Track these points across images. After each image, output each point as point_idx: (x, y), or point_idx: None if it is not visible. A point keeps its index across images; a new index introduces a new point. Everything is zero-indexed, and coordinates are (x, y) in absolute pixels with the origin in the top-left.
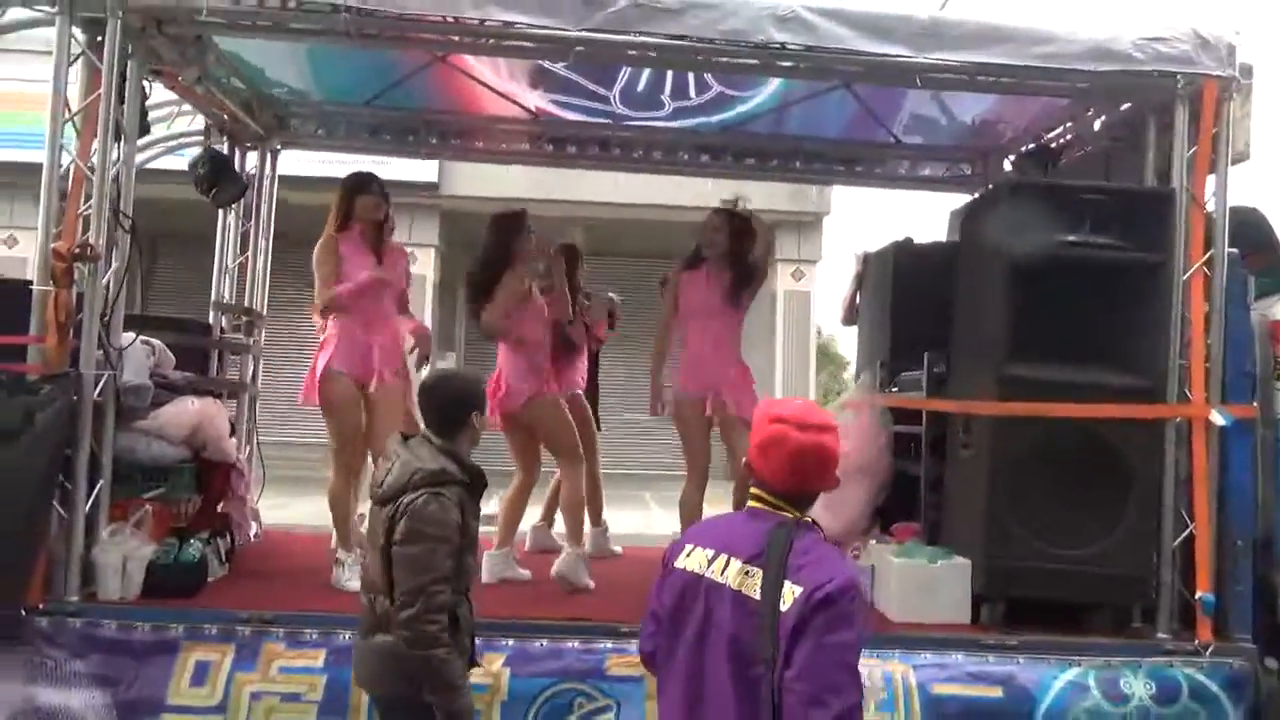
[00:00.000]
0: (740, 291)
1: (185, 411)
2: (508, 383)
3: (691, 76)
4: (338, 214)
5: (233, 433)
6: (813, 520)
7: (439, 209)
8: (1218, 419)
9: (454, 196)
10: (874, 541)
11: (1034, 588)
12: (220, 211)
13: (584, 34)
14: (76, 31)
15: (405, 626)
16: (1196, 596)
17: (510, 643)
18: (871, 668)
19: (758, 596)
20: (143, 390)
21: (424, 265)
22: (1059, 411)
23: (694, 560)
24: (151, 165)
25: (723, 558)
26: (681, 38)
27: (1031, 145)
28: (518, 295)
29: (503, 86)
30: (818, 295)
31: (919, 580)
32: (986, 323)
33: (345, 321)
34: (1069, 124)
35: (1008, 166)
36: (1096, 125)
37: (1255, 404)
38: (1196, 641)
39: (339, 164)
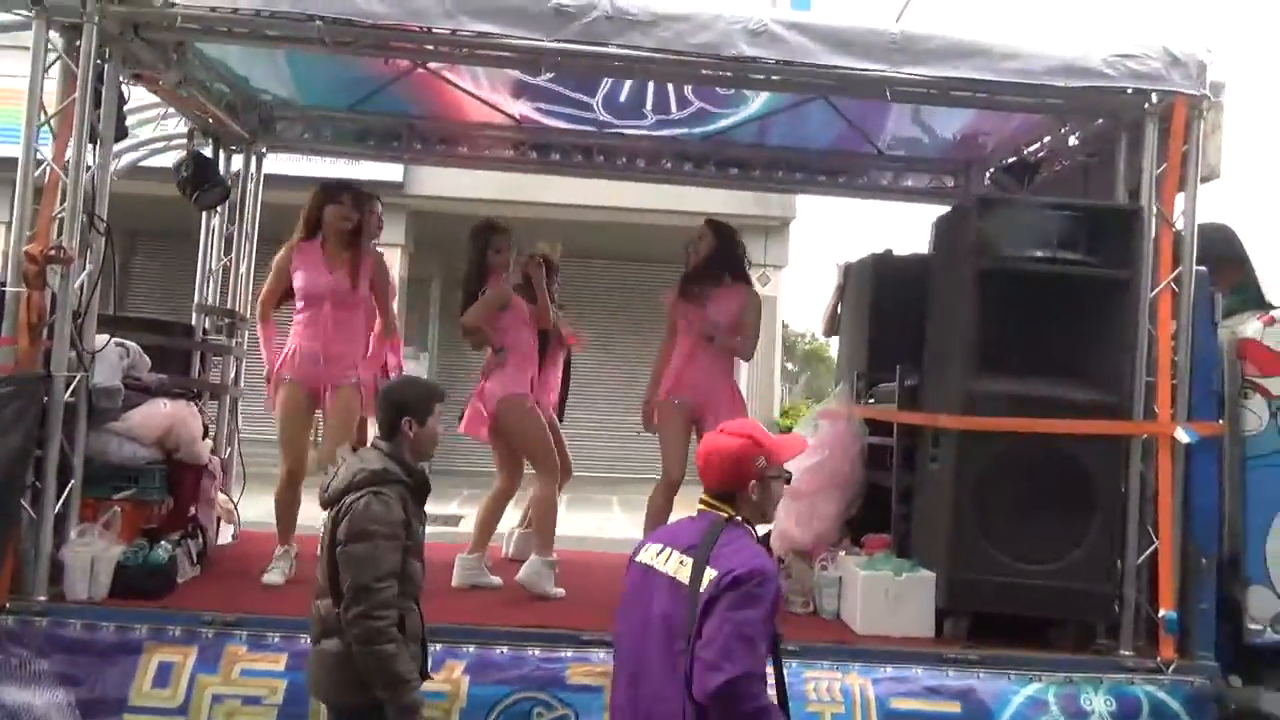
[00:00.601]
0: (745, 310)
1: (157, 414)
2: (485, 386)
3: (672, 91)
4: (305, 221)
5: (207, 434)
6: (743, 519)
7: (406, 209)
8: (1183, 436)
9: (420, 196)
10: (843, 553)
11: (997, 602)
12: (204, 214)
13: (557, 45)
14: (54, 35)
15: (353, 624)
16: (1160, 614)
17: (471, 649)
18: (830, 681)
19: (686, 581)
20: (114, 392)
21: (390, 265)
22: (1023, 426)
23: (647, 555)
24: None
25: (666, 550)
26: (653, 50)
27: (1009, 159)
28: (496, 303)
29: (485, 94)
30: (784, 300)
31: (882, 593)
32: (953, 336)
33: (298, 329)
34: (1046, 139)
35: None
36: (1072, 141)
37: (1221, 422)
38: (1159, 659)
39: (323, 164)
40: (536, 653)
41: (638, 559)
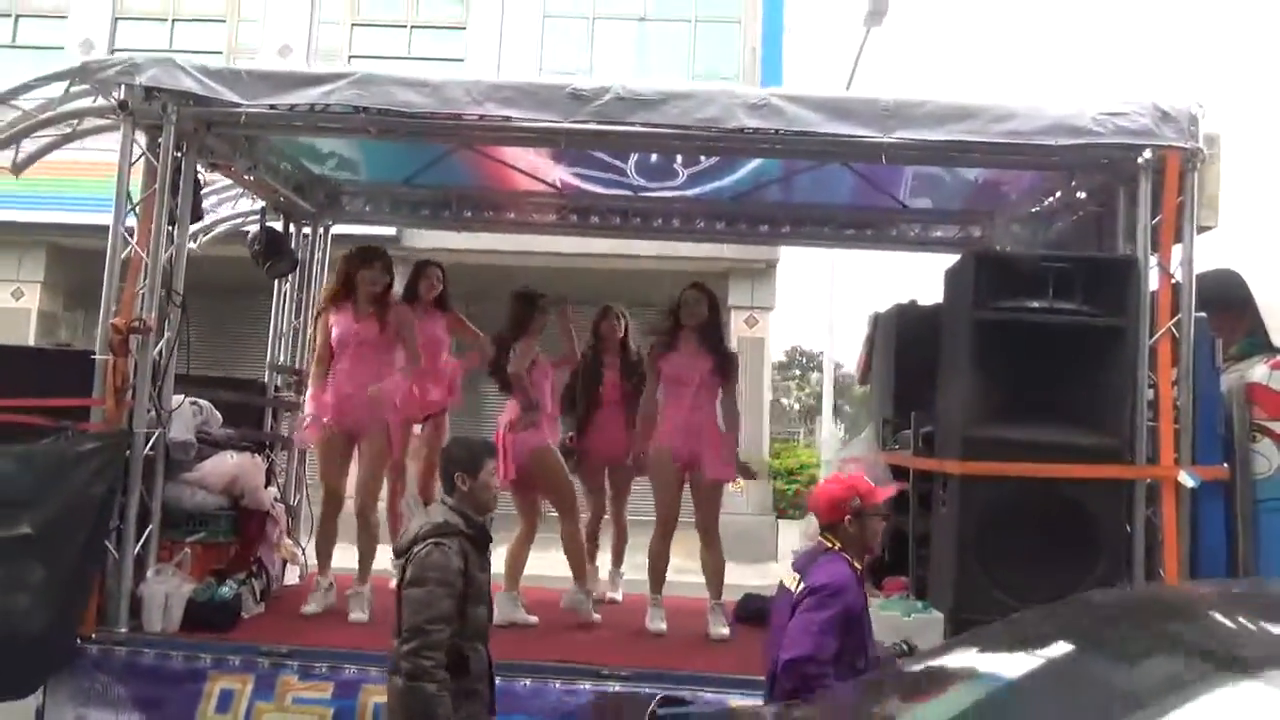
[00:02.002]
0: (728, 370)
1: (224, 464)
2: (514, 436)
3: None
4: (337, 282)
5: (270, 483)
6: (842, 548)
7: (403, 260)
8: (1186, 480)
9: (414, 249)
10: None
11: None
12: (276, 281)
13: (573, 126)
14: (138, 134)
15: (404, 660)
16: None
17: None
18: None
19: (794, 590)
20: (187, 446)
21: None
22: (1024, 471)
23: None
24: None
25: (794, 575)
26: (662, 126)
27: (1027, 211)
28: (527, 358)
29: (526, 162)
30: (772, 342)
31: (893, 632)
32: (956, 384)
33: (334, 378)
34: (1059, 192)
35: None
36: (1080, 194)
37: (1225, 465)
38: None
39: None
40: (558, 685)
41: (782, 580)
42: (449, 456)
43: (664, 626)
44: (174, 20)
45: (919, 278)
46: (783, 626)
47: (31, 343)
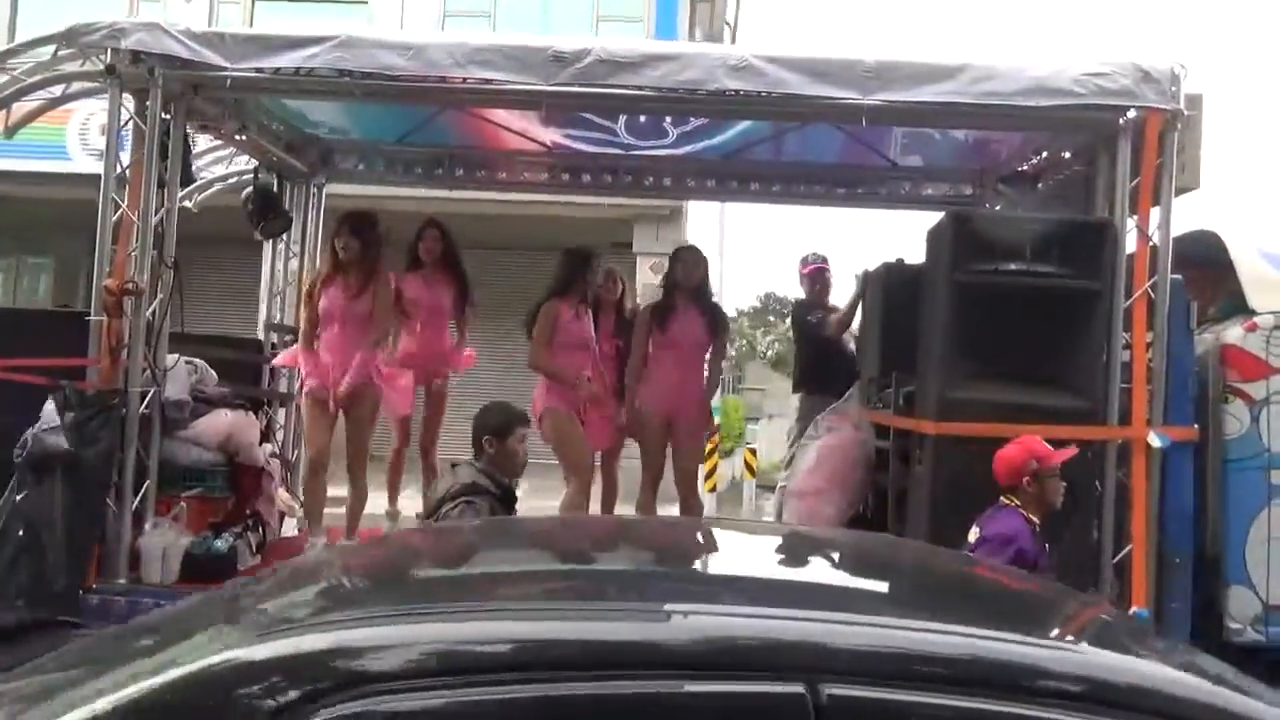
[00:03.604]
0: (719, 331)
1: (219, 421)
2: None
3: None
4: (328, 254)
5: (265, 440)
6: (1020, 505)
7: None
8: (1155, 441)
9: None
10: None
11: None
12: (270, 240)
13: (555, 88)
14: (127, 98)
15: None
16: (1130, 611)
17: None
18: None
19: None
20: (182, 404)
21: None
22: (997, 431)
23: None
24: None
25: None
26: (642, 88)
27: (1016, 169)
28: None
29: (517, 123)
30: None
31: None
32: (934, 345)
33: (320, 345)
34: (1045, 152)
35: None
36: (1067, 154)
37: (1195, 426)
38: None
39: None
40: None
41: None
42: (480, 420)
43: None
44: None
45: (908, 236)
46: None
47: None
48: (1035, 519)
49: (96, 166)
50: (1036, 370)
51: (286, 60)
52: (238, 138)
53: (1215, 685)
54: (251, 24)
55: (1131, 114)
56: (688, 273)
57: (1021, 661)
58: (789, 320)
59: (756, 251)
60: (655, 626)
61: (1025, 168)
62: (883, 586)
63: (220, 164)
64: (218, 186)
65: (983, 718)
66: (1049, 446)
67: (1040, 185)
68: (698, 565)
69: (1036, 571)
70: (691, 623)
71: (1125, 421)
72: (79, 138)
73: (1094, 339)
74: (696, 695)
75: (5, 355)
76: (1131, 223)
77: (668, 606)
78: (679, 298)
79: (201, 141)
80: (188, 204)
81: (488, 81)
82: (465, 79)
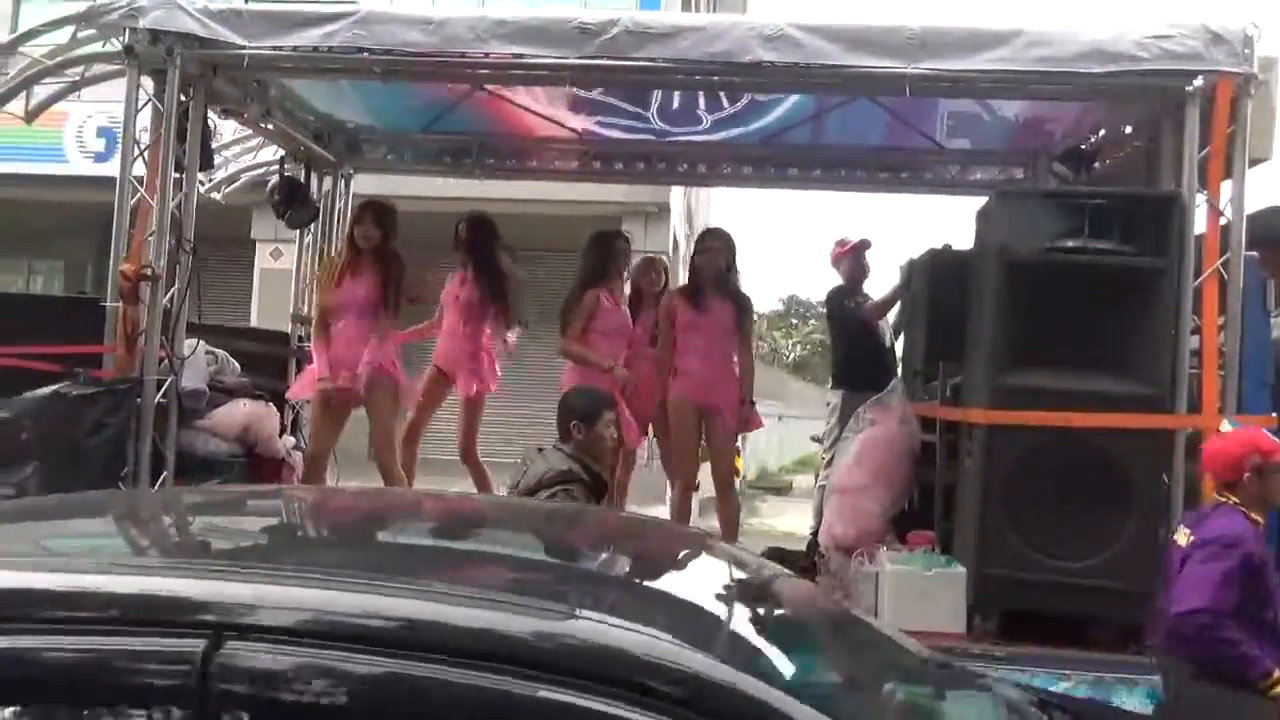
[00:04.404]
0: (745, 317)
1: (236, 412)
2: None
3: None
4: (347, 243)
5: (285, 431)
6: (1238, 503)
7: None
8: (1228, 430)
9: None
10: (884, 549)
11: (1028, 600)
12: (298, 231)
13: (580, 62)
14: (146, 80)
15: None
16: None
17: None
18: None
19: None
20: (199, 394)
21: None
22: (1051, 420)
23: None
24: None
25: (1182, 527)
26: (672, 60)
27: (1072, 149)
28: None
29: (545, 111)
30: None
31: (912, 588)
32: (983, 330)
33: (333, 338)
34: (1104, 129)
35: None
36: (1128, 129)
37: (1275, 415)
38: None
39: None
40: None
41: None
42: (568, 404)
43: None
44: None
45: (957, 222)
46: (1171, 580)
47: None
48: (1259, 519)
49: (94, 169)
50: (1096, 355)
51: (304, 38)
52: (264, 126)
53: (710, 658)
54: None
55: (1200, 80)
56: (712, 260)
57: (440, 621)
58: (825, 310)
59: (779, 253)
60: (72, 578)
61: (1085, 147)
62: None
63: (249, 154)
64: (246, 177)
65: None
66: (1274, 439)
67: (1098, 165)
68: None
69: (1263, 578)
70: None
71: (1195, 409)
72: (76, 140)
73: (1160, 321)
74: (102, 651)
75: (21, 342)
76: (1201, 197)
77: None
78: (706, 283)
79: (229, 132)
80: (215, 195)
81: (512, 56)
82: (488, 54)
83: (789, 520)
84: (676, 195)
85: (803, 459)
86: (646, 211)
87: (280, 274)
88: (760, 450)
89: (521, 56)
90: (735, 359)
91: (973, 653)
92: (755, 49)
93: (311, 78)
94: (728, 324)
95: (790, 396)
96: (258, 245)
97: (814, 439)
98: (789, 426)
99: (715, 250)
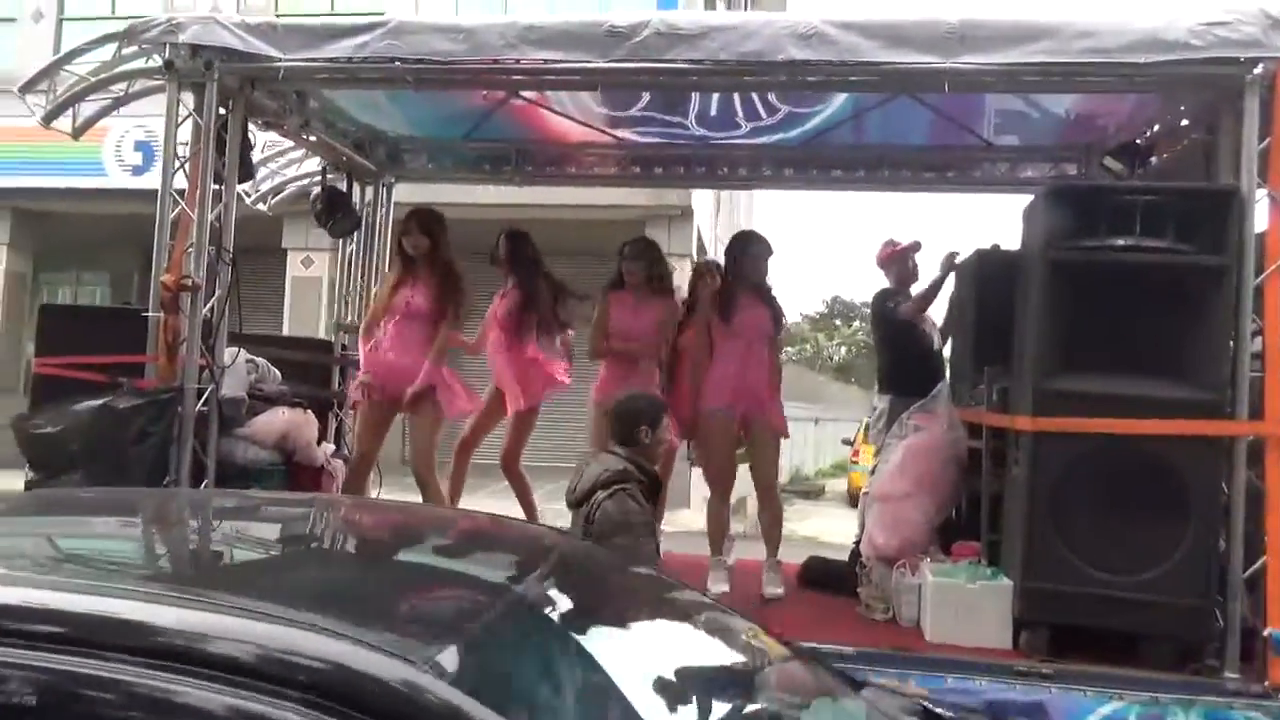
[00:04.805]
0: (780, 318)
1: (275, 420)
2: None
3: (756, 97)
4: (396, 254)
5: (324, 439)
6: None
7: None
8: None
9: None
10: (927, 560)
11: (1078, 614)
12: (341, 240)
13: (611, 65)
14: (186, 95)
15: None
16: (1265, 633)
17: None
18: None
19: None
20: (239, 402)
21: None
22: (1102, 427)
23: None
24: None
25: None
26: (702, 62)
27: (1120, 143)
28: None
29: (584, 120)
30: (687, 289)
31: (954, 601)
32: (1029, 333)
33: (380, 343)
34: (1159, 123)
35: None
36: (1184, 121)
37: None
38: (1266, 683)
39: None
40: None
41: None
42: (634, 408)
43: (726, 587)
44: None
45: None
46: None
47: None
48: None
49: (133, 182)
50: (1149, 358)
51: (338, 49)
52: (306, 137)
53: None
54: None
55: (1259, 68)
56: (754, 265)
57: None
58: (870, 312)
59: (823, 254)
60: None
61: (1140, 141)
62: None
63: (293, 165)
64: (291, 189)
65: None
66: None
67: (1153, 160)
68: None
69: None
70: None
71: (1256, 415)
72: (115, 154)
73: (1218, 322)
74: None
75: (67, 353)
76: (1262, 191)
77: None
78: (740, 287)
79: (274, 144)
80: (262, 206)
81: (542, 62)
82: (518, 60)
83: (813, 525)
84: (701, 198)
85: (839, 463)
86: (670, 215)
87: (311, 281)
88: (795, 454)
89: (551, 62)
90: (765, 362)
91: (1018, 669)
92: (788, 47)
93: (346, 88)
94: (765, 328)
95: (831, 399)
96: (289, 254)
97: (845, 442)
98: (825, 430)
99: (756, 255)
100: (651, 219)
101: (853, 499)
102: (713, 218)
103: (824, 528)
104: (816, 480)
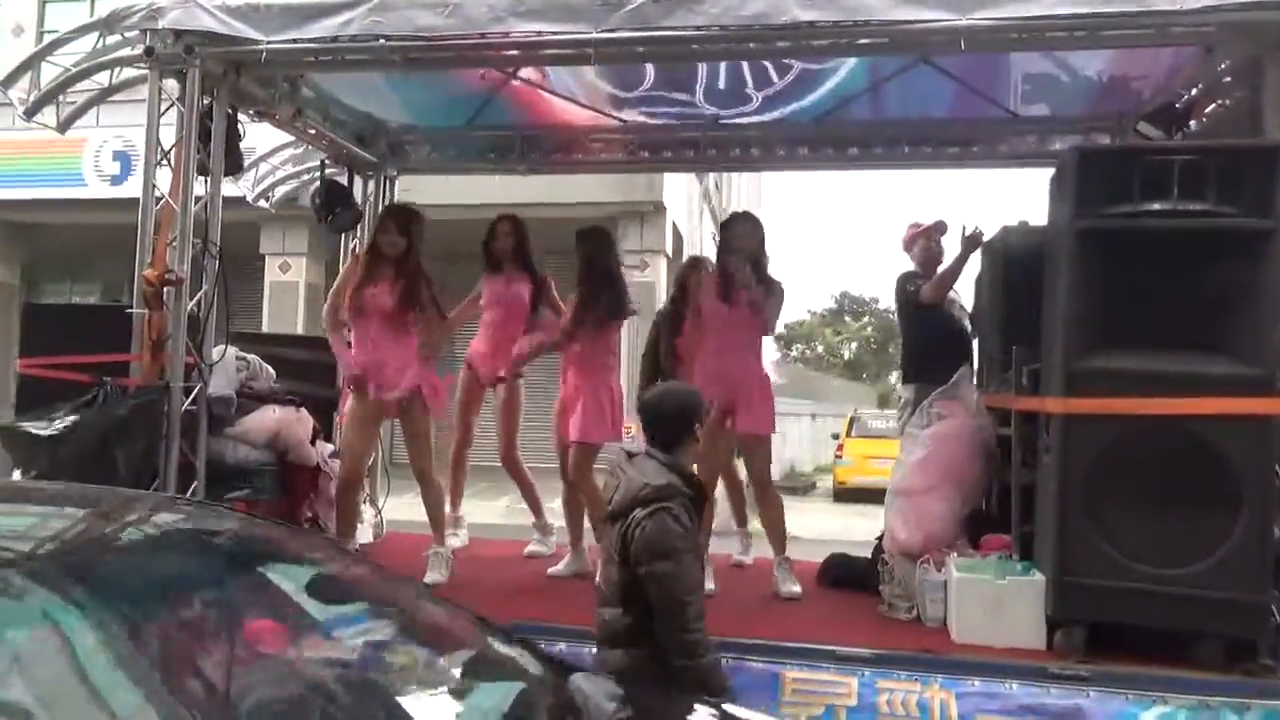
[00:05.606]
0: (767, 299)
1: (266, 419)
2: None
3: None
4: (369, 249)
5: (319, 438)
6: None
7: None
8: None
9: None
10: (953, 555)
11: (1118, 611)
12: (342, 235)
13: (604, 35)
14: (171, 83)
15: (670, 640)
16: None
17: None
18: (907, 693)
19: None
20: (227, 401)
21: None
22: (1141, 408)
23: None
24: None
25: None
26: (702, 28)
27: (1163, 107)
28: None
29: (590, 103)
30: (662, 286)
31: (983, 598)
32: (1058, 308)
33: (358, 345)
34: (1200, 83)
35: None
36: (1227, 78)
37: None
38: None
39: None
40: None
41: None
42: (679, 403)
43: (711, 586)
44: None
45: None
46: None
47: None
48: None
49: (111, 191)
50: (1189, 332)
51: (321, 28)
52: (301, 128)
53: None
54: None
55: None
56: (741, 243)
57: None
58: (894, 298)
59: (831, 250)
60: None
61: (1178, 105)
62: None
63: (292, 162)
64: (292, 184)
65: None
66: None
67: (1192, 124)
68: None
69: None
70: None
71: None
72: (93, 164)
73: (1266, 291)
74: None
75: (51, 352)
76: None
77: None
78: (728, 276)
79: (274, 138)
80: (264, 203)
81: (533, 34)
82: (508, 34)
83: (792, 522)
84: (674, 194)
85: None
86: (642, 211)
87: (289, 286)
88: (790, 449)
89: (543, 34)
90: (758, 354)
91: (1053, 671)
92: (792, 8)
93: (332, 70)
94: (751, 316)
95: (831, 395)
96: (267, 259)
97: (833, 436)
98: (825, 425)
99: (746, 237)
100: (623, 215)
101: (838, 495)
102: (692, 214)
103: (812, 526)
104: (811, 475)
